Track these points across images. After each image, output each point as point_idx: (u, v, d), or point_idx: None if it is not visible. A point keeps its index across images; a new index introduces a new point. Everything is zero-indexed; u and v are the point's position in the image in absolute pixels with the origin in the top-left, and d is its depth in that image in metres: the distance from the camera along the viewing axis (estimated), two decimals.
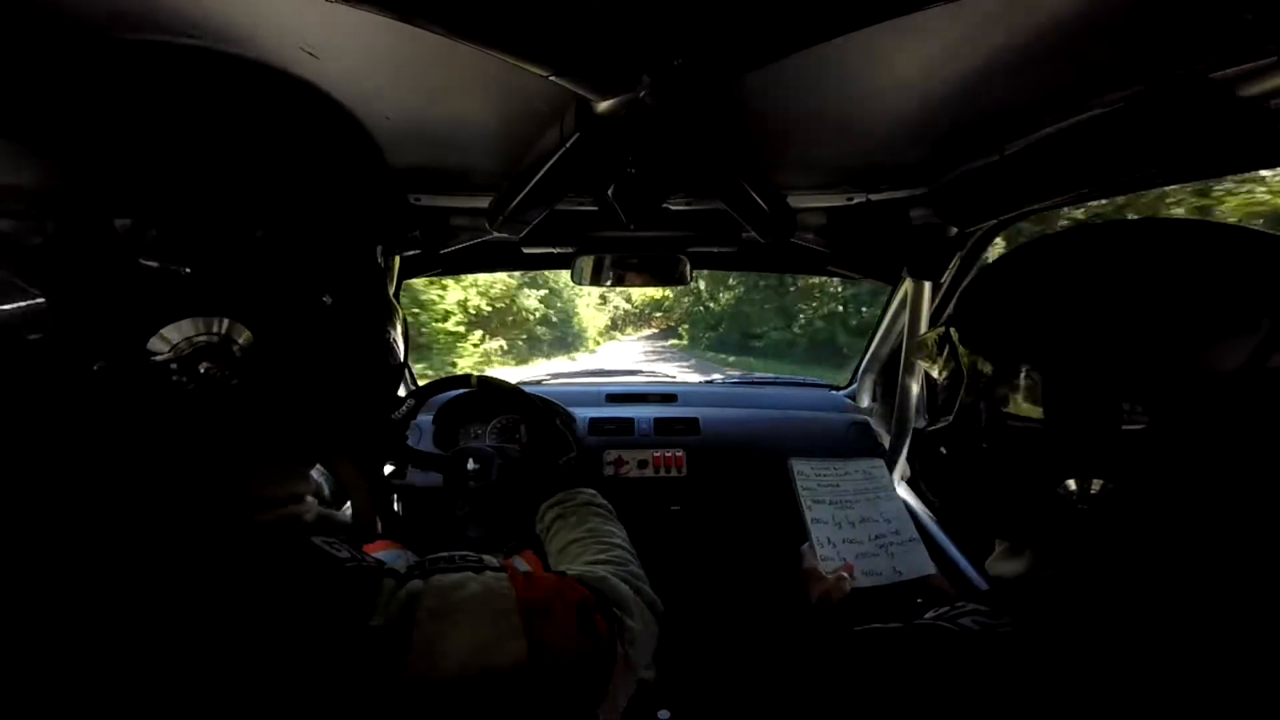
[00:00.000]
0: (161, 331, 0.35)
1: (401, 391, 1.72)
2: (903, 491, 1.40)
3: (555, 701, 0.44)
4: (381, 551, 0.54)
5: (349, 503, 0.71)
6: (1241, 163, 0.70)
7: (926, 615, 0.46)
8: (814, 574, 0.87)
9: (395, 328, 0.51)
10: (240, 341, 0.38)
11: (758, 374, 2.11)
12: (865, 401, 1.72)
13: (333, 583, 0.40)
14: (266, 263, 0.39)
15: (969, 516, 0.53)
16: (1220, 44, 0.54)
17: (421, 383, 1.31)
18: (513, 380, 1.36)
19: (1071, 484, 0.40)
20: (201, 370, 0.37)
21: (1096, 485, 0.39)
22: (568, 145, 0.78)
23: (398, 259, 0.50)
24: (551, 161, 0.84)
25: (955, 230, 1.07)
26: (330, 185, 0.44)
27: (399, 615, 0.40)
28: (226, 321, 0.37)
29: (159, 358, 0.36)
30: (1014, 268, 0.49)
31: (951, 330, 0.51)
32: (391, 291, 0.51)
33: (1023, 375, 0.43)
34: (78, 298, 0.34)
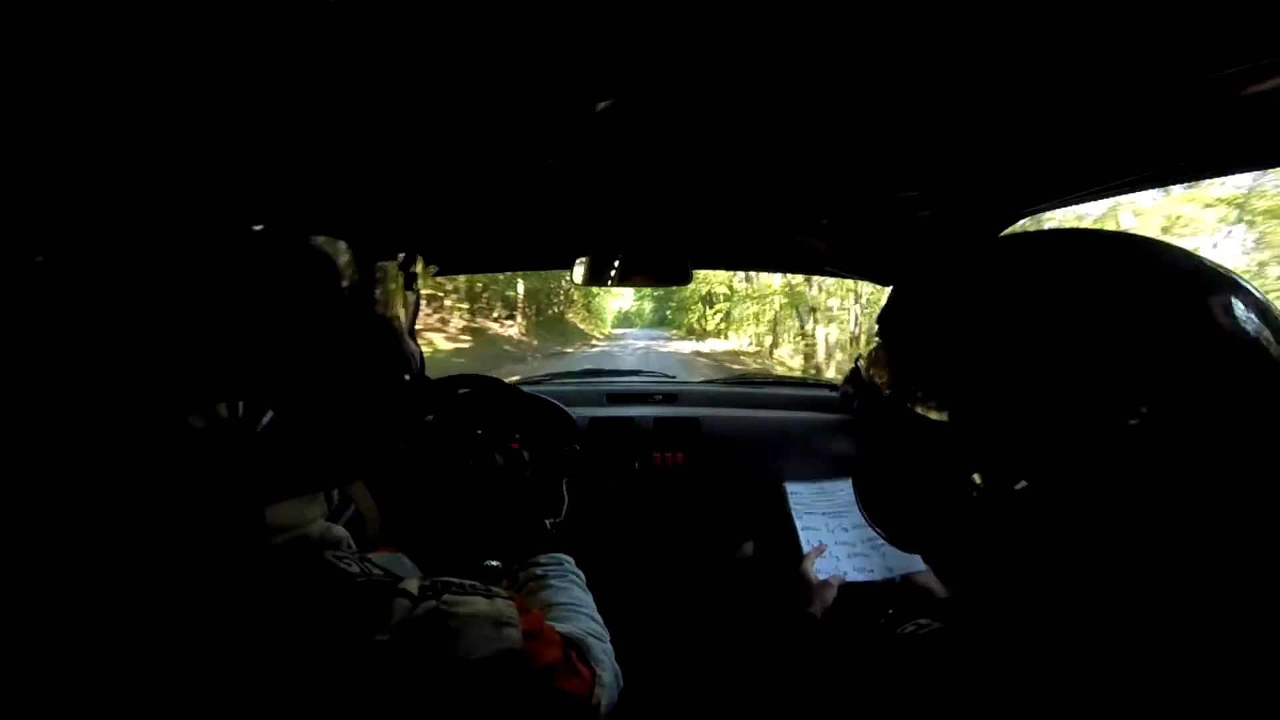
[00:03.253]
0: (201, 408, 0.36)
1: None
2: None
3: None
4: (379, 555, 0.54)
5: (348, 511, 0.71)
6: (1241, 163, 0.70)
7: (907, 627, 0.47)
8: (813, 585, 0.89)
9: (411, 340, 0.51)
10: (261, 419, 0.38)
11: (758, 375, 2.11)
12: None
13: (344, 599, 0.41)
14: (289, 305, 0.39)
15: (902, 538, 0.54)
16: (1221, 44, 0.54)
17: None
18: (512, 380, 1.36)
19: (976, 479, 0.40)
20: (220, 441, 0.37)
21: (1001, 483, 0.39)
22: (567, 145, 0.78)
23: (420, 269, 0.50)
24: (551, 161, 0.84)
25: (956, 230, 1.07)
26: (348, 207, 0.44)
27: (411, 634, 0.41)
28: (249, 403, 0.38)
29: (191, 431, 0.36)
30: (906, 292, 0.51)
31: (859, 362, 0.53)
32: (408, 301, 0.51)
33: (919, 393, 0.44)
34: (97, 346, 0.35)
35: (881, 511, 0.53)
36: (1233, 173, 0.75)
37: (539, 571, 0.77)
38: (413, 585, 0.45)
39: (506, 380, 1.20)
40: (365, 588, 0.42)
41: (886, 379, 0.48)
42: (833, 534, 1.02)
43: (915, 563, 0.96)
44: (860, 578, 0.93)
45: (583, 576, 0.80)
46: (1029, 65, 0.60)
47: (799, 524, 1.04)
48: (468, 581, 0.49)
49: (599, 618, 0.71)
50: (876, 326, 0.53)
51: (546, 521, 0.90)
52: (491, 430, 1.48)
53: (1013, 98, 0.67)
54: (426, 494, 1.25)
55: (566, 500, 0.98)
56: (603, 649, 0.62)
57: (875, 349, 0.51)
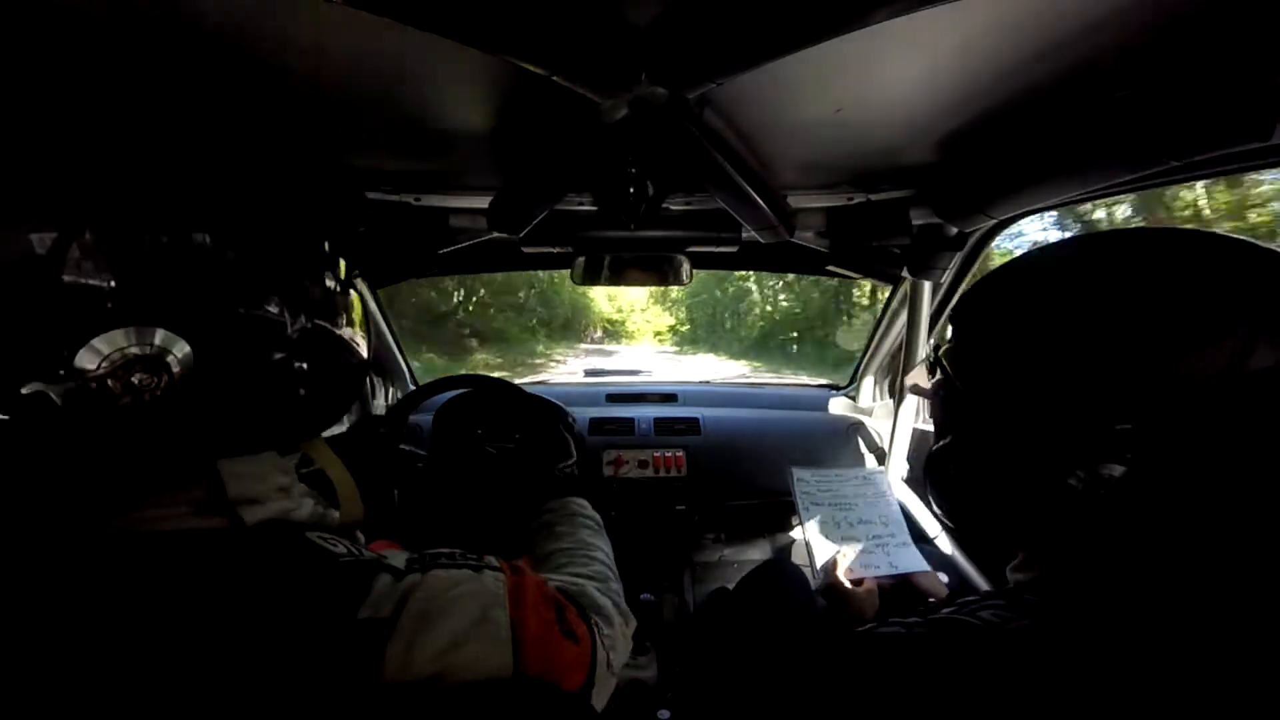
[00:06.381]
0: (91, 344, 0.36)
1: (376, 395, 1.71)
2: (902, 491, 1.40)
3: (538, 706, 0.44)
4: (384, 551, 0.54)
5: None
6: (1241, 162, 0.70)
7: (944, 610, 0.46)
8: (857, 597, 0.88)
9: (351, 325, 0.51)
10: (174, 351, 0.38)
11: (758, 374, 2.11)
12: (865, 401, 1.72)
13: (324, 576, 0.40)
14: (200, 269, 0.40)
15: (986, 531, 0.53)
16: (1219, 44, 0.54)
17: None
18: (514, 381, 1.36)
19: (1080, 474, 0.41)
20: (135, 380, 0.37)
21: (1106, 472, 0.40)
22: (567, 145, 0.78)
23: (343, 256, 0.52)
24: (551, 161, 0.84)
25: (955, 230, 1.07)
26: (270, 183, 0.45)
27: (391, 608, 0.40)
28: (160, 332, 0.38)
29: (92, 371, 0.36)
30: (996, 285, 0.51)
31: (939, 351, 0.52)
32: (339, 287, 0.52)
33: (1014, 388, 0.44)
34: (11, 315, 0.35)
35: (960, 499, 0.53)
36: (1228, 173, 0.75)
37: (547, 519, 0.75)
38: (399, 560, 0.44)
39: (508, 381, 1.19)
40: (348, 566, 0.41)
41: (974, 371, 0.48)
42: (838, 528, 1.00)
43: (919, 563, 0.96)
44: (863, 574, 0.93)
45: (596, 519, 0.76)
46: (1028, 66, 0.60)
47: (804, 514, 1.02)
48: (458, 552, 0.48)
49: (605, 556, 0.67)
50: (951, 319, 0.52)
51: (557, 468, 0.88)
52: (491, 429, 1.49)
53: (1011, 99, 0.68)
54: (429, 492, 1.26)
55: (575, 446, 0.95)
56: (604, 592, 0.59)
57: (954, 343, 0.51)
